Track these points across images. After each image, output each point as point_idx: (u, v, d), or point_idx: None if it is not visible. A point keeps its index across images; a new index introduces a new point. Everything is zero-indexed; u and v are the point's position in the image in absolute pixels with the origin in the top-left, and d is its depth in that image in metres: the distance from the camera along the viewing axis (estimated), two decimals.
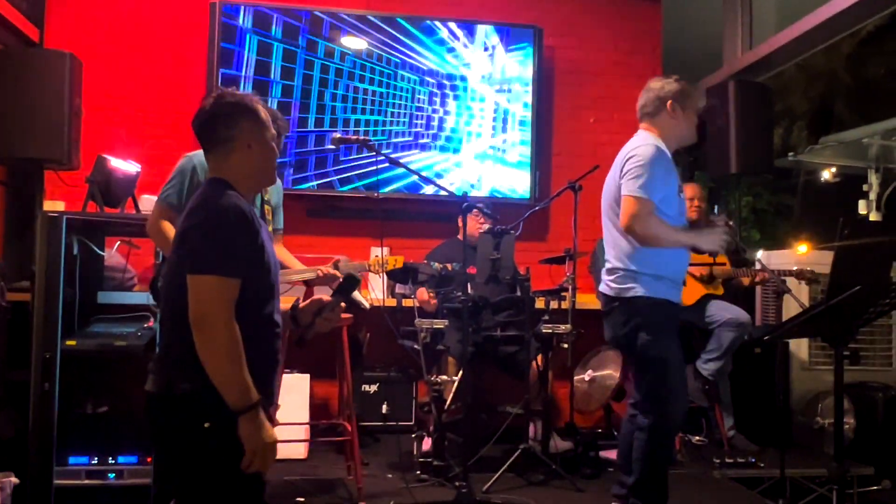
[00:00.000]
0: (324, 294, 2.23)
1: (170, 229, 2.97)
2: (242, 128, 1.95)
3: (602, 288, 3.16)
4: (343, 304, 2.17)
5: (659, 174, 2.91)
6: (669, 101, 3.07)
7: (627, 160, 2.96)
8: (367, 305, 4.02)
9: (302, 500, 3.45)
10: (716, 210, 6.54)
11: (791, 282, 4.56)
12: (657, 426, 3.00)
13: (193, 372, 1.78)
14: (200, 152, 3.03)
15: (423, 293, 4.29)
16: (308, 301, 2.18)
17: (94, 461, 3.34)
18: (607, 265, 3.12)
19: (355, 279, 2.19)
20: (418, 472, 3.75)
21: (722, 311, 4.40)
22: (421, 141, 5.18)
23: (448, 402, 3.82)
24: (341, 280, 2.20)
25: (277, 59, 4.95)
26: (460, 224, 4.55)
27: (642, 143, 3.00)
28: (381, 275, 3.72)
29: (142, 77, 4.98)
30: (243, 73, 4.90)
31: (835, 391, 2.83)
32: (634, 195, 2.87)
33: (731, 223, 3.21)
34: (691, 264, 4.48)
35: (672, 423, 3.09)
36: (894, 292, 2.63)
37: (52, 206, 4.33)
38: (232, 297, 1.80)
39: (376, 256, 3.65)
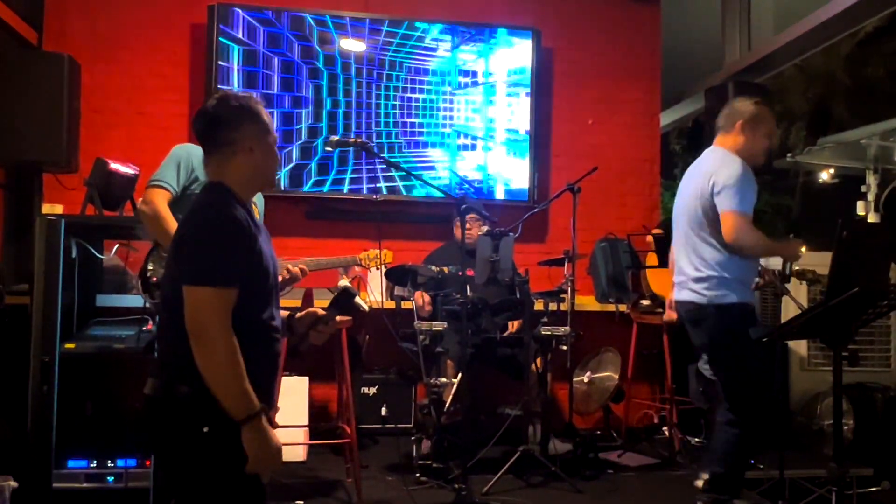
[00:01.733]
0: (320, 305, 2.23)
1: (165, 211, 2.88)
2: (245, 131, 1.94)
3: (687, 296, 3.20)
4: (337, 318, 2.17)
5: (750, 188, 3.08)
6: (740, 122, 3.21)
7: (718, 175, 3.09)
8: (367, 308, 4.01)
9: (301, 502, 3.45)
10: None
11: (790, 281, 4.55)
12: (752, 423, 3.14)
13: (193, 376, 1.77)
14: (191, 144, 3.02)
15: (419, 297, 4.29)
16: (304, 312, 2.18)
17: (94, 464, 3.33)
18: (695, 273, 3.17)
19: (350, 293, 2.18)
20: (418, 475, 3.75)
21: None
22: (424, 139, 5.18)
23: (447, 405, 3.82)
24: (337, 294, 2.18)
25: (276, 64, 4.96)
26: (456, 229, 4.58)
27: (727, 159, 3.14)
28: (370, 268, 3.73)
29: (140, 79, 4.97)
30: (244, 75, 4.91)
31: (834, 392, 2.82)
32: (737, 210, 3.02)
33: None
34: None
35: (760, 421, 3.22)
36: (893, 294, 2.63)
37: (51, 208, 4.32)
38: (228, 307, 1.79)
39: (366, 252, 3.66)
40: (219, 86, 4.80)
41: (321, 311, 2.15)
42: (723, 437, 3.19)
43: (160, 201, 2.92)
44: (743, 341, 3.07)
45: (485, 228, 4.31)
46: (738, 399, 3.17)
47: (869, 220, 5.57)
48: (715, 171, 3.11)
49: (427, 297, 4.22)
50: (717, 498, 3.16)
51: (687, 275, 3.21)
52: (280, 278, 3.26)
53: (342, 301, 2.16)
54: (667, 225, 3.91)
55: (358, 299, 2.21)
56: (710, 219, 3.10)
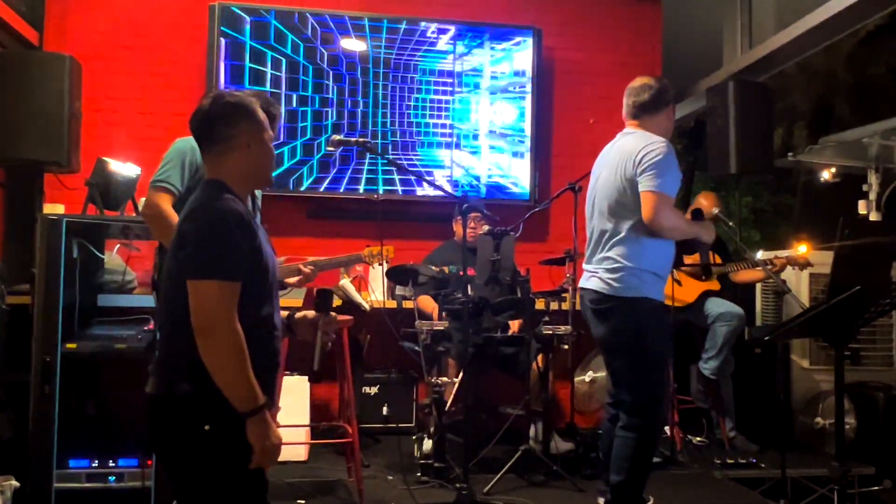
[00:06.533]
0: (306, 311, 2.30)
1: (170, 213, 2.81)
2: (242, 128, 1.95)
3: (595, 284, 3.12)
4: (334, 316, 2.23)
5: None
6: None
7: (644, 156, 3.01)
8: (368, 307, 4.03)
9: (303, 502, 3.45)
10: None
11: (788, 274, 4.57)
12: (649, 426, 3.07)
13: (193, 374, 1.78)
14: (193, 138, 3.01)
15: (427, 303, 4.28)
16: (301, 315, 2.24)
17: (95, 464, 3.34)
18: (609, 262, 3.08)
19: (326, 293, 2.25)
20: (419, 474, 3.74)
21: (716, 306, 4.42)
22: (425, 138, 5.17)
23: (449, 404, 3.82)
24: (315, 300, 2.25)
25: (277, 63, 4.96)
26: (455, 227, 4.59)
27: (653, 139, 3.06)
28: (374, 265, 3.74)
29: (141, 79, 4.97)
30: (246, 75, 4.91)
31: (836, 391, 2.83)
32: (655, 191, 2.95)
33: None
34: (688, 264, 4.48)
35: (661, 424, 3.14)
36: (894, 292, 2.63)
37: (52, 208, 4.33)
38: (234, 301, 1.80)
39: (368, 248, 3.67)
40: (218, 85, 4.80)
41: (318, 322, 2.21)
42: (618, 442, 3.09)
43: (164, 203, 2.84)
44: (653, 338, 3.03)
45: (486, 227, 4.31)
46: (636, 400, 3.08)
47: (870, 219, 5.57)
48: (639, 151, 3.02)
49: (435, 305, 4.21)
50: None
51: (599, 263, 3.13)
52: (295, 280, 3.26)
53: (323, 303, 2.23)
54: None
55: (359, 297, 2.24)
56: (631, 202, 3.02)
